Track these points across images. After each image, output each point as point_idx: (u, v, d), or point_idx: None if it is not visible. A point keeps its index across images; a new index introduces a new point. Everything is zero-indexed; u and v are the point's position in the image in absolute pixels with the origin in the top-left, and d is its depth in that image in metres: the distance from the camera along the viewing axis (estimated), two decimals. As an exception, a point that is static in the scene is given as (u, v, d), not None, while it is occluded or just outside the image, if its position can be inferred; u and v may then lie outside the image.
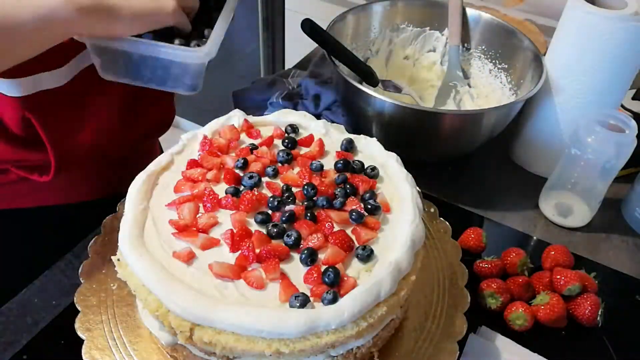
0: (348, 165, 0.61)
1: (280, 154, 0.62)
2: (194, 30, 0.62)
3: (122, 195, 0.60)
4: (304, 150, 0.65)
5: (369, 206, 0.56)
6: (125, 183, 0.59)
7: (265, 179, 0.60)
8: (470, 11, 0.94)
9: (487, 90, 0.94)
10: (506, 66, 0.92)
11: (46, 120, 0.67)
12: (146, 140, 0.90)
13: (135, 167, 0.61)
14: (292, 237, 0.52)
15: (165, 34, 0.60)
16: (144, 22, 0.56)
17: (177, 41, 0.60)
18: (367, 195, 0.58)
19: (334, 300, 0.48)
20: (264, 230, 0.54)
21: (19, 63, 0.55)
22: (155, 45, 0.58)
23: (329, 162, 0.63)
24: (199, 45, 0.59)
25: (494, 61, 0.94)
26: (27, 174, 0.72)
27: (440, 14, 0.96)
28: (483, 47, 0.95)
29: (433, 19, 0.97)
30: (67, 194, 0.80)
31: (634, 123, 0.71)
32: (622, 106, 0.88)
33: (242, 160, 0.61)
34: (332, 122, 0.88)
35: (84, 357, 0.55)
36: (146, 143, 0.92)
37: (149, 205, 0.57)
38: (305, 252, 0.51)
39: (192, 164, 0.61)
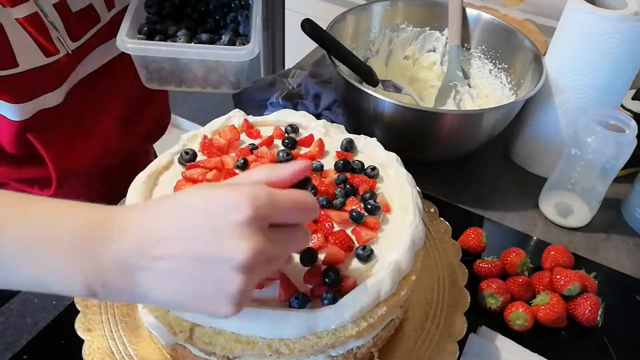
0: (348, 165, 0.61)
1: (280, 154, 0.62)
2: (223, 29, 0.63)
3: (122, 195, 0.60)
4: (303, 150, 0.65)
5: (369, 206, 0.56)
6: (123, 187, 0.59)
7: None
8: (470, 11, 0.94)
9: (487, 90, 0.94)
10: (506, 66, 0.92)
11: (46, 139, 0.67)
12: (144, 145, 0.90)
13: (133, 173, 0.61)
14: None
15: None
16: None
17: (222, 41, 0.60)
18: (367, 195, 0.58)
19: (334, 301, 0.48)
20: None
21: None
22: (201, 48, 0.58)
23: (329, 162, 0.63)
24: (243, 44, 0.60)
25: (494, 61, 0.94)
26: (27, 188, 0.71)
27: (440, 14, 0.96)
28: (483, 47, 0.95)
29: (433, 19, 0.97)
30: None
31: (634, 123, 0.71)
32: (622, 106, 0.88)
33: (242, 160, 0.61)
34: (332, 122, 0.88)
35: (84, 357, 0.55)
36: (144, 148, 0.92)
37: (149, 205, 0.57)
38: (306, 252, 0.51)
39: (192, 164, 0.61)
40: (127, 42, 0.59)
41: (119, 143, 0.78)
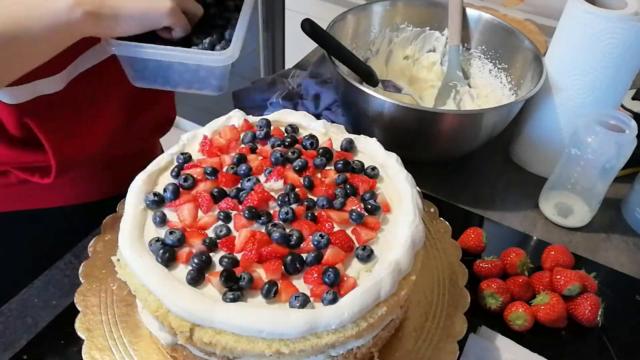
0: (348, 165, 0.61)
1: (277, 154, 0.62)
2: (214, 31, 0.65)
3: (122, 195, 0.60)
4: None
5: (369, 206, 0.56)
6: (127, 183, 0.59)
7: (263, 179, 0.60)
8: (470, 11, 0.94)
9: (487, 90, 0.94)
10: (506, 66, 0.92)
11: (45, 125, 0.67)
12: (148, 140, 0.90)
13: (137, 168, 0.61)
14: (294, 237, 0.52)
15: (186, 38, 0.64)
16: (141, 22, 0.58)
17: (203, 44, 0.62)
18: (367, 195, 0.58)
19: (334, 301, 0.48)
20: (264, 230, 0.53)
21: (28, 71, 0.57)
22: (182, 51, 0.61)
23: (329, 162, 0.63)
24: (223, 49, 0.62)
25: (494, 61, 0.94)
26: (28, 176, 0.72)
27: (440, 14, 0.96)
28: (483, 47, 0.95)
29: (433, 19, 0.97)
30: (67, 196, 0.80)
31: (634, 123, 0.71)
32: (622, 106, 0.88)
33: (238, 156, 0.61)
34: (332, 122, 0.88)
35: (84, 357, 0.55)
36: (148, 143, 0.92)
37: (149, 205, 0.57)
38: (313, 254, 0.51)
39: (192, 164, 0.61)
40: (112, 43, 0.61)
41: (122, 135, 0.78)
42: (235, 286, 0.49)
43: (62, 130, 0.69)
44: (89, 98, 0.71)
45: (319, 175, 0.61)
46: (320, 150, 0.62)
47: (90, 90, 0.70)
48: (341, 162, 0.61)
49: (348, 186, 0.58)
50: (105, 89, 0.73)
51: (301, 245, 0.52)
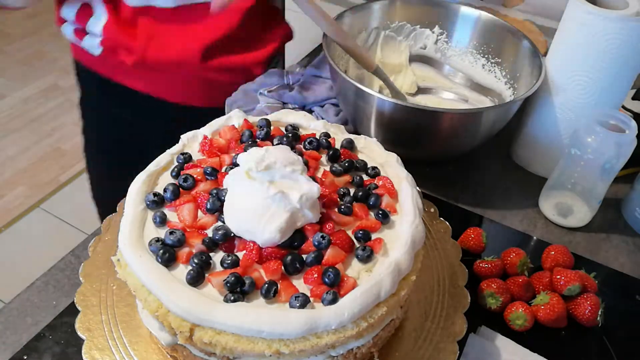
0: (352, 164, 0.61)
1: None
2: None
3: (122, 195, 0.60)
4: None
5: (380, 214, 0.56)
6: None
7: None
8: (470, 11, 0.94)
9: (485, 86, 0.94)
10: (506, 66, 0.92)
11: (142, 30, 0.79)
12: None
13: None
14: (297, 238, 0.52)
15: None
16: None
17: None
18: (372, 200, 0.57)
19: (334, 301, 0.48)
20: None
21: None
22: None
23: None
24: None
25: (493, 61, 0.94)
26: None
27: (440, 13, 0.96)
28: (483, 47, 0.95)
29: (432, 18, 0.97)
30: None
31: (634, 123, 0.71)
32: (622, 106, 0.88)
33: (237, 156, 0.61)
34: (322, 119, 0.87)
35: (84, 357, 0.55)
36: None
37: (149, 205, 0.57)
38: (313, 255, 0.51)
39: (192, 164, 0.61)
40: None
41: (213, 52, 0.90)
42: (239, 289, 0.49)
43: (151, 38, 0.81)
44: (189, 22, 0.81)
45: (319, 175, 0.61)
46: (330, 153, 0.62)
47: (191, 17, 0.81)
48: (346, 162, 0.61)
49: (351, 197, 0.58)
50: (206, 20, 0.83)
51: (302, 246, 0.52)
